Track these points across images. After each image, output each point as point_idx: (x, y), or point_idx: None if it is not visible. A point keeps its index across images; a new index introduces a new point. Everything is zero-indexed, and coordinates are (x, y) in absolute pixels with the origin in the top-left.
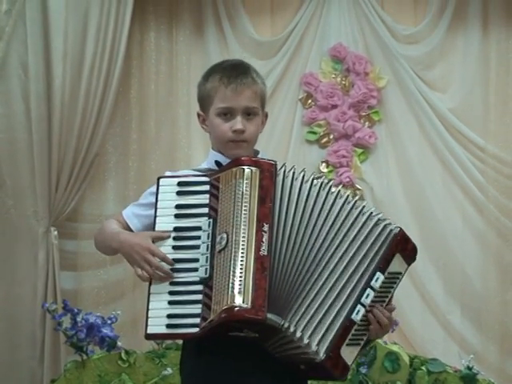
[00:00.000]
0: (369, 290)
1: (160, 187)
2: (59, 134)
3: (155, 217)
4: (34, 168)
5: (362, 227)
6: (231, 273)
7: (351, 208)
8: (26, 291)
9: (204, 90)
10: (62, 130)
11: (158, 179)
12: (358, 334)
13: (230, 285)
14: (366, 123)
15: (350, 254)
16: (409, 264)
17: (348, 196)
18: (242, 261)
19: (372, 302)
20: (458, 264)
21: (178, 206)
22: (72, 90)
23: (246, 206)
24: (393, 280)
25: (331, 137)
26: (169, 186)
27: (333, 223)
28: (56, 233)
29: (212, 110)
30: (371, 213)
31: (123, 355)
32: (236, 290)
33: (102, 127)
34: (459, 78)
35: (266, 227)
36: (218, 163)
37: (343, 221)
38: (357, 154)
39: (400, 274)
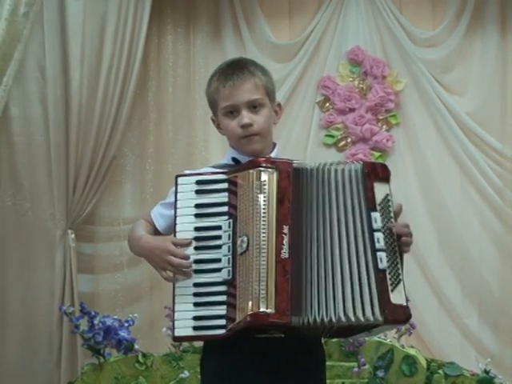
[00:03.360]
0: (376, 234)
1: (178, 186)
2: (76, 137)
3: (175, 217)
4: (52, 171)
5: (345, 186)
6: (254, 277)
7: (340, 178)
8: (44, 294)
9: (209, 95)
10: (79, 132)
11: (176, 178)
12: (394, 273)
13: (254, 289)
14: (384, 127)
15: (349, 222)
16: (388, 181)
17: (336, 170)
18: (263, 265)
19: (384, 239)
20: (476, 268)
21: (197, 206)
22: (89, 93)
23: (264, 209)
24: (387, 205)
25: (349, 140)
26: (187, 185)
27: (332, 203)
28: (73, 236)
29: (219, 111)
30: (345, 168)
31: (140, 358)
32: (260, 295)
33: (120, 130)
34: (477, 81)
35: (285, 229)
36: (234, 160)
37: (337, 194)
38: (374, 157)
39: (388, 195)
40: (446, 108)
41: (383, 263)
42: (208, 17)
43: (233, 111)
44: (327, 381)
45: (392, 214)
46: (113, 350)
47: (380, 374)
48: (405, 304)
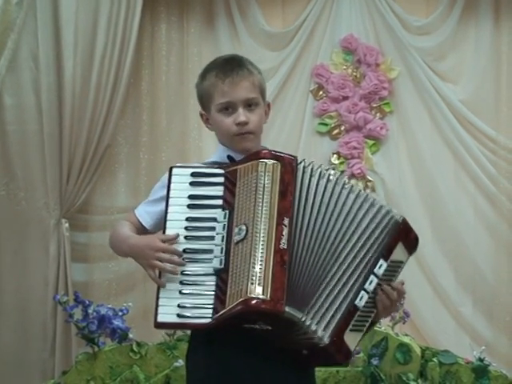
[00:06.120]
0: (372, 277)
1: (173, 176)
2: (70, 126)
3: (167, 206)
4: (45, 160)
5: (369, 217)
6: (251, 264)
7: (362, 201)
8: (38, 283)
9: (202, 89)
10: (72, 121)
11: (171, 169)
12: (361, 319)
13: (250, 276)
14: (378, 115)
15: (359, 244)
16: (410, 253)
17: (360, 190)
18: (262, 253)
19: (375, 288)
20: (470, 256)
21: (191, 197)
22: (83, 82)
23: (266, 199)
24: (395, 268)
25: (342, 128)
26: (182, 176)
27: (346, 216)
28: (67, 225)
29: (213, 107)
30: (378, 204)
31: (134, 347)
32: (256, 282)
33: (113, 119)
34: (471, 69)
35: (286, 221)
36: (230, 158)
37: (355, 213)
38: (368, 145)
39: (402, 262)
40: (440, 96)
41: (361, 302)
42: (201, 5)
43: (229, 108)
44: (321, 369)
45: (394, 279)
46: (107, 338)
47: (374, 362)
48: (350, 349)
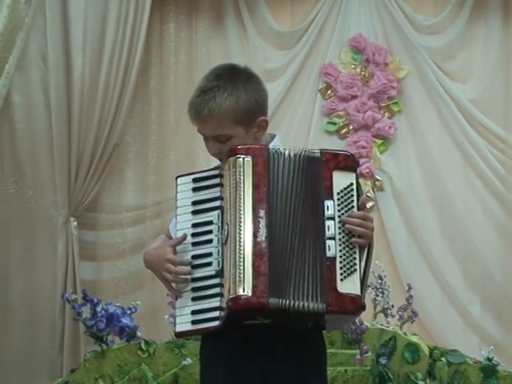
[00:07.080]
0: (328, 222)
1: (178, 186)
2: (79, 125)
3: (176, 216)
4: (54, 158)
5: (298, 175)
6: (232, 263)
7: (293, 166)
8: (46, 281)
9: None
10: (81, 120)
11: (176, 179)
12: (348, 262)
13: (232, 275)
14: (386, 114)
15: (301, 205)
16: (354, 171)
17: (294, 156)
18: (240, 250)
19: (340, 228)
20: (479, 255)
21: (194, 203)
22: (91, 81)
23: (240, 195)
24: (349, 195)
25: (351, 127)
26: (185, 184)
27: (296, 188)
28: (75, 223)
29: None
30: (299, 158)
31: (143, 345)
32: (237, 280)
33: (122, 117)
34: (480, 68)
35: (262, 213)
36: None
37: (292, 179)
38: (376, 144)
39: (352, 184)
40: (449, 95)
41: (331, 251)
42: (210, 4)
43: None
44: (330, 368)
45: (354, 204)
46: (115, 337)
47: (382, 361)
48: (357, 294)
